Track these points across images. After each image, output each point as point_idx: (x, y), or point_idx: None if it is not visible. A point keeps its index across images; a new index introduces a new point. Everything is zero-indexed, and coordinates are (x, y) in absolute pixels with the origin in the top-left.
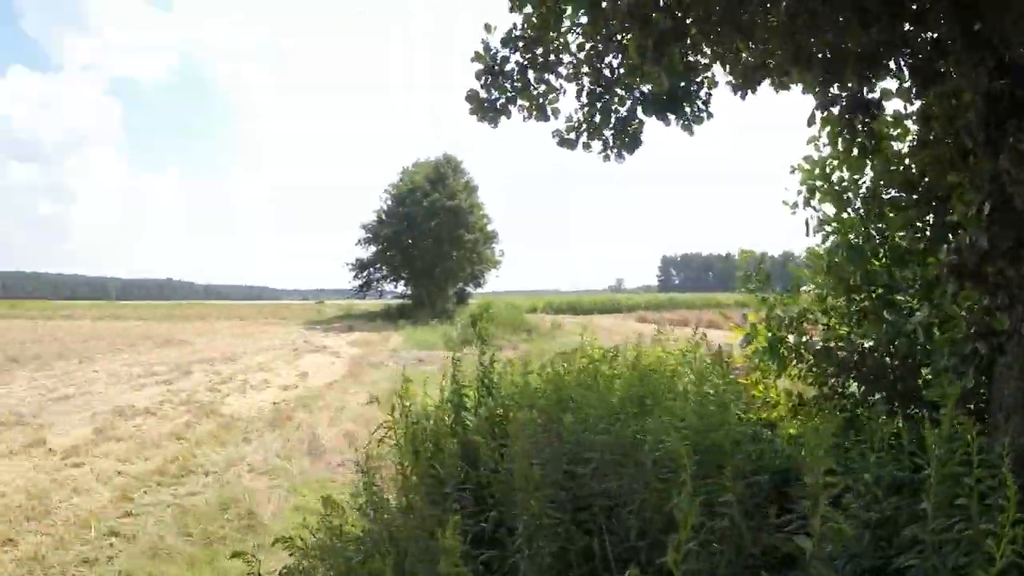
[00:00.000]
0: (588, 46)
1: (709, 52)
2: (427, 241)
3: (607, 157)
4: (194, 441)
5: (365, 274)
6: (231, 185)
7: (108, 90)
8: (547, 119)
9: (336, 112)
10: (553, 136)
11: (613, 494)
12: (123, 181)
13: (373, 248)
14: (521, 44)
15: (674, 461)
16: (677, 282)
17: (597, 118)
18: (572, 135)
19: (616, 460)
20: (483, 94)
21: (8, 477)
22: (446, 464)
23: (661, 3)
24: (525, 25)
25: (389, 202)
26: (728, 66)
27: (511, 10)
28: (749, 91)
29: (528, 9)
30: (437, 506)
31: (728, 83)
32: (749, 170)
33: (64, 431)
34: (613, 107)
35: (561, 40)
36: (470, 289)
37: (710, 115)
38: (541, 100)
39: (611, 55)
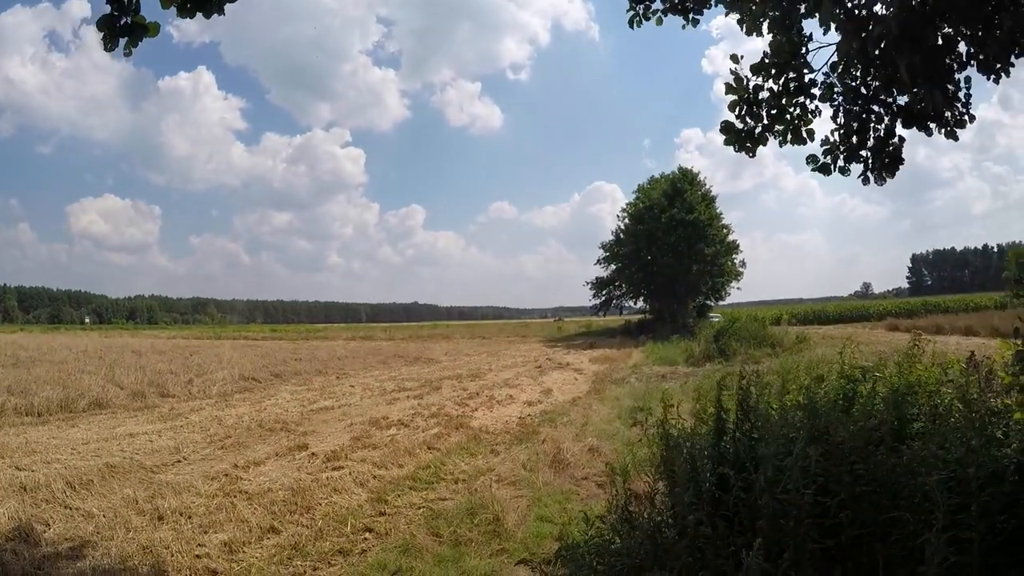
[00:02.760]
0: (842, 65)
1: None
2: (667, 256)
3: (866, 180)
4: (444, 451)
5: (605, 292)
6: (472, 214)
7: (350, 143)
8: (804, 143)
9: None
10: (808, 162)
11: (862, 523)
12: (371, 218)
13: (613, 266)
14: (773, 71)
15: (928, 496)
16: (929, 283)
17: (854, 139)
18: (828, 159)
19: (870, 491)
20: (739, 124)
21: (276, 476)
22: (703, 490)
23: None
24: (773, 51)
25: (627, 221)
26: (978, 48)
27: (747, 33)
28: (1003, 74)
29: (769, 34)
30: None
31: (979, 67)
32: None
33: (325, 438)
34: (871, 125)
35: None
36: (710, 302)
37: (972, 118)
38: (796, 123)
39: (869, 73)
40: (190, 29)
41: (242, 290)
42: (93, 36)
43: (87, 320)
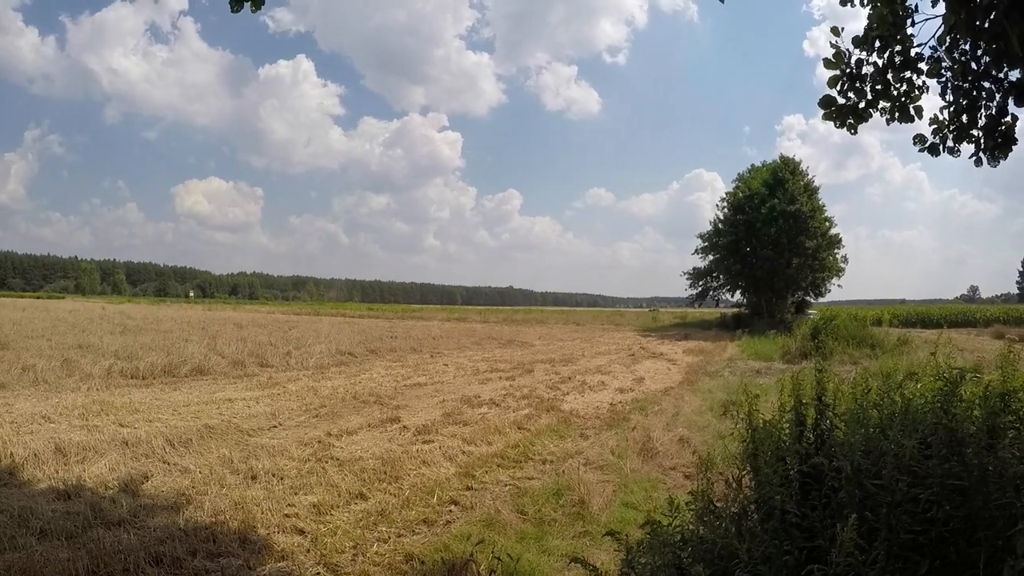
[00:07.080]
0: (949, 38)
1: None
2: (766, 249)
3: (979, 162)
4: (534, 432)
5: (702, 283)
6: (568, 199)
7: (447, 127)
8: (911, 120)
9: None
10: (915, 142)
11: (951, 520)
12: (467, 201)
13: (710, 257)
14: (877, 43)
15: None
16: None
17: (964, 117)
18: (936, 139)
19: (962, 486)
20: (840, 100)
21: (367, 445)
22: (791, 476)
23: None
24: (876, 24)
25: (726, 210)
26: None
27: (841, 3)
28: None
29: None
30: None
31: None
32: None
33: (416, 412)
34: (981, 103)
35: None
36: (810, 298)
37: None
38: (903, 100)
39: (977, 47)
40: (284, 19)
41: (340, 269)
42: (191, 27)
43: (191, 294)
